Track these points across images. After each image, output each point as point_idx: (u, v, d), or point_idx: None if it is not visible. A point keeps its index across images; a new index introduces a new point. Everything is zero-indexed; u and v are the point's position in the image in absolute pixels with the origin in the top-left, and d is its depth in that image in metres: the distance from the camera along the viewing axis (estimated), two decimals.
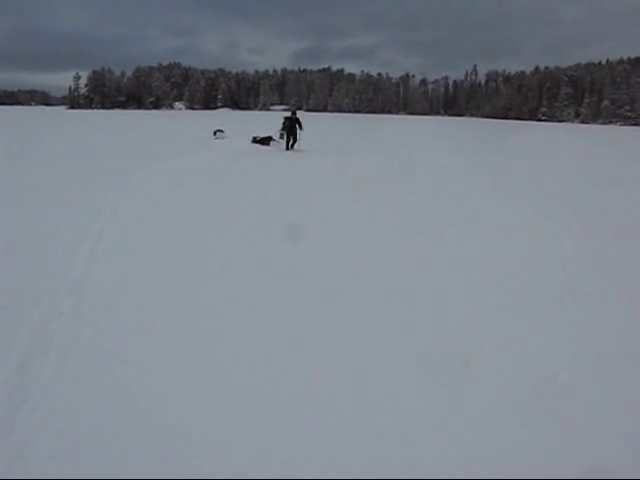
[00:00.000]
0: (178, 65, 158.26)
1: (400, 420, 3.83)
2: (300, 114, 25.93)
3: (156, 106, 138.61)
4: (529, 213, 11.55)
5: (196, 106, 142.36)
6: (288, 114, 26.14)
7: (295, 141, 25.13)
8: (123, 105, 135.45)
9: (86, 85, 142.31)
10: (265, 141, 27.20)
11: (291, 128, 25.05)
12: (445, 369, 4.48)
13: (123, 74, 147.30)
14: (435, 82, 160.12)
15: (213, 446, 3.53)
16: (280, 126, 26.25)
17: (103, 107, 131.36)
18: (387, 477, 3.28)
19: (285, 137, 25.51)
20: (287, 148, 25.08)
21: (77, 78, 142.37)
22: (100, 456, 3.41)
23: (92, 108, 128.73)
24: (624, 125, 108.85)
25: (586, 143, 43.75)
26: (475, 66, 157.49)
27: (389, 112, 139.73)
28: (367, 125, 61.62)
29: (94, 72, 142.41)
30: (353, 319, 5.60)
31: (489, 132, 58.24)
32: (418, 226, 9.96)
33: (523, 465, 3.41)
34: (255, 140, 27.74)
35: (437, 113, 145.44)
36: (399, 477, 3.29)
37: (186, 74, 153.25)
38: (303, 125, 25.09)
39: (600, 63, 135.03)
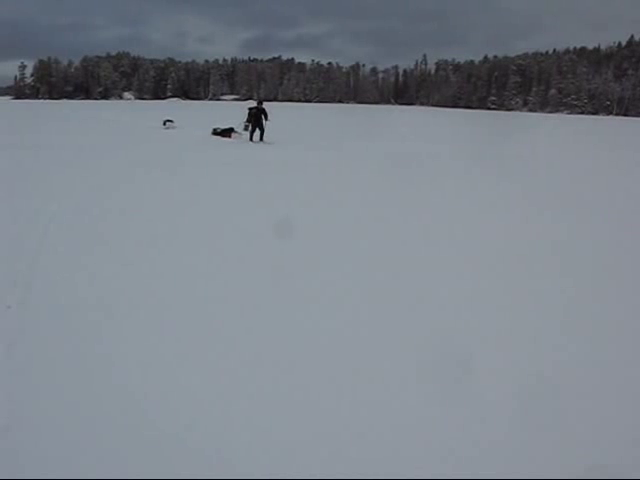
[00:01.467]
0: (127, 55, 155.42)
1: (398, 419, 3.80)
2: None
3: (105, 96, 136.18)
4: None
5: (146, 96, 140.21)
6: (253, 104, 24.99)
7: (262, 132, 23.96)
8: (71, 95, 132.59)
9: (32, 75, 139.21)
10: (226, 133, 25.87)
11: (257, 119, 23.97)
12: (443, 367, 4.44)
13: (70, 64, 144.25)
14: (385, 71, 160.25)
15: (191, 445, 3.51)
16: (244, 117, 24.82)
17: (50, 97, 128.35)
18: (386, 477, 3.26)
19: (250, 128, 24.24)
20: (251, 139, 23.99)
21: (22, 68, 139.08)
22: (45, 451, 3.35)
23: (39, 98, 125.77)
24: (570, 114, 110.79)
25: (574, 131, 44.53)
26: (425, 55, 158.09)
27: (340, 101, 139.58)
28: (325, 114, 61.19)
29: (40, 61, 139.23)
30: (349, 314, 5.60)
31: (460, 121, 58.66)
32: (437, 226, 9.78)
33: (523, 465, 3.40)
34: (216, 132, 26.38)
35: (388, 102, 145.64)
36: (398, 477, 3.26)
37: (135, 64, 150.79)
38: (269, 116, 24.07)
39: (547, 53, 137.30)
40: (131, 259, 7.08)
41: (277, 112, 23.79)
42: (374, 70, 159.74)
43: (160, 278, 6.37)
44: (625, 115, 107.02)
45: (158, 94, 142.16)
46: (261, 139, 23.87)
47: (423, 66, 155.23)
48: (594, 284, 6.74)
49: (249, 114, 24.41)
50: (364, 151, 21.85)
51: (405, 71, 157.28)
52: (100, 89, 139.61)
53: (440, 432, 3.67)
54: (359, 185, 13.45)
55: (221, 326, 5.13)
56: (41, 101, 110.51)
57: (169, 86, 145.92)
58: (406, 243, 8.17)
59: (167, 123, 31.37)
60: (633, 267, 7.57)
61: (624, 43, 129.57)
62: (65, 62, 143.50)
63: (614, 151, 27.65)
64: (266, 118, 23.88)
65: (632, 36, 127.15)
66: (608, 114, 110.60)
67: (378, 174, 15.11)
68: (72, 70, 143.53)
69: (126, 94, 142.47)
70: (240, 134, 25.17)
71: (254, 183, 13.28)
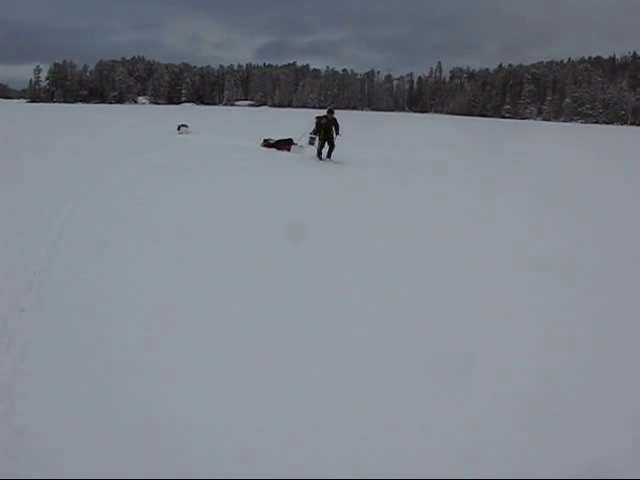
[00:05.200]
0: (142, 59, 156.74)
1: (398, 420, 3.78)
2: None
3: (119, 100, 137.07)
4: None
5: (160, 101, 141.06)
6: (323, 112, 20.23)
7: (331, 148, 19.33)
8: (85, 99, 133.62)
9: (47, 78, 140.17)
10: (283, 145, 21.90)
11: (327, 131, 19.29)
12: (443, 368, 4.41)
13: (85, 67, 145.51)
14: (400, 78, 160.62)
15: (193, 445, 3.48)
16: (306, 128, 20.53)
17: (65, 101, 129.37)
18: (386, 477, 3.23)
19: (318, 142, 19.63)
20: (319, 156, 19.52)
21: (38, 71, 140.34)
22: (61, 454, 3.32)
23: (53, 102, 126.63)
24: (585, 123, 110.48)
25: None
26: (439, 63, 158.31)
27: (354, 108, 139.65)
28: (355, 122, 58.45)
29: (55, 65, 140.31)
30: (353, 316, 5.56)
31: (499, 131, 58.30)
32: None
33: (523, 465, 3.38)
34: (268, 143, 22.82)
35: (402, 109, 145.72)
36: (398, 477, 3.24)
37: (150, 68, 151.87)
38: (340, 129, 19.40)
39: (562, 62, 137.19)
40: (147, 263, 7.05)
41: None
42: (389, 77, 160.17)
43: (178, 288, 6.37)
44: None
45: (172, 99, 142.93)
46: (329, 156, 19.43)
47: (438, 74, 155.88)
48: (597, 288, 6.76)
49: (317, 124, 19.55)
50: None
51: (420, 78, 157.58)
52: (115, 93, 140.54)
53: (441, 432, 3.66)
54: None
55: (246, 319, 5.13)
56: (56, 104, 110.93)
57: (184, 91, 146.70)
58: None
59: (181, 128, 31.21)
60: (635, 272, 7.59)
61: (639, 53, 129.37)
62: (80, 66, 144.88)
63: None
64: (337, 131, 19.33)
65: None
66: (622, 124, 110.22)
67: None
68: (87, 74, 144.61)
69: (140, 98, 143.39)
70: (302, 147, 21.01)
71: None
